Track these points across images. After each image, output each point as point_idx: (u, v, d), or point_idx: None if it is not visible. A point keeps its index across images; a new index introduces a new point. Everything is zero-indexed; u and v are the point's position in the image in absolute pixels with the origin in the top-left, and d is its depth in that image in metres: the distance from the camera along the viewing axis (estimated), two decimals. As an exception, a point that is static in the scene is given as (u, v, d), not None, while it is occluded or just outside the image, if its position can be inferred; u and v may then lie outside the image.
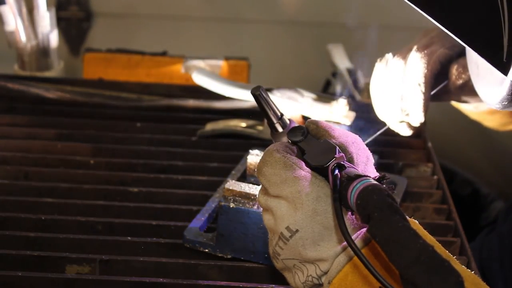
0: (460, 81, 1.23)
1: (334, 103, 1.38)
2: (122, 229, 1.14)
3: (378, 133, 1.30)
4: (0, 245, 1.08)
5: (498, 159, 2.18)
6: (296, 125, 0.89)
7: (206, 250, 1.08)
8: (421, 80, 1.21)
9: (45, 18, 1.64)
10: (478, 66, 0.97)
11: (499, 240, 1.57)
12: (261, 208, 0.87)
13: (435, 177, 1.32)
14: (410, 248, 0.70)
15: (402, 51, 1.25)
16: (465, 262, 1.11)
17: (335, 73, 1.77)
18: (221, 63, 1.66)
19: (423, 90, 1.21)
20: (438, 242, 0.79)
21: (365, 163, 0.87)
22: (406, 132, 1.28)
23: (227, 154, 1.35)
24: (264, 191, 0.86)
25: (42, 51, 1.66)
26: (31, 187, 1.23)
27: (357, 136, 0.89)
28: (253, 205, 1.05)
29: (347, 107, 1.38)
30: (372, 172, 0.87)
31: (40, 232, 1.11)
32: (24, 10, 1.62)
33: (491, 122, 1.45)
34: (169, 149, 1.37)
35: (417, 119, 1.23)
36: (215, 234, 1.08)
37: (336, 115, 1.38)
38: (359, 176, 0.79)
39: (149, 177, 1.28)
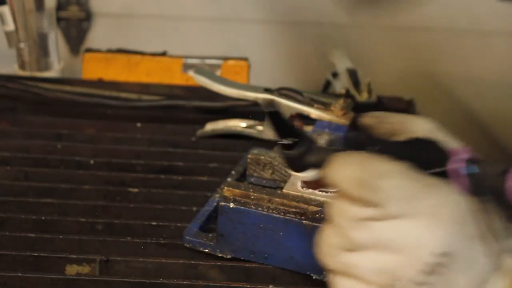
0: None
1: (334, 103, 1.38)
2: (122, 229, 1.14)
3: None
4: (0, 245, 1.08)
5: (498, 159, 2.18)
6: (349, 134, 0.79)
7: (206, 250, 1.08)
8: None
9: (45, 18, 1.63)
10: None
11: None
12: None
13: (435, 177, 1.32)
14: None
15: None
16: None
17: (335, 73, 1.77)
18: (221, 63, 1.66)
19: None
20: None
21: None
22: None
23: (227, 154, 1.35)
24: (364, 218, 0.69)
25: (42, 51, 1.66)
26: (31, 187, 1.23)
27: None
28: (253, 205, 1.05)
29: (347, 107, 1.38)
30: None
31: (40, 232, 1.11)
32: (24, 10, 1.62)
33: None
34: (169, 149, 1.37)
35: None
36: (215, 234, 1.07)
37: (335, 115, 1.37)
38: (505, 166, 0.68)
39: (149, 177, 1.27)
